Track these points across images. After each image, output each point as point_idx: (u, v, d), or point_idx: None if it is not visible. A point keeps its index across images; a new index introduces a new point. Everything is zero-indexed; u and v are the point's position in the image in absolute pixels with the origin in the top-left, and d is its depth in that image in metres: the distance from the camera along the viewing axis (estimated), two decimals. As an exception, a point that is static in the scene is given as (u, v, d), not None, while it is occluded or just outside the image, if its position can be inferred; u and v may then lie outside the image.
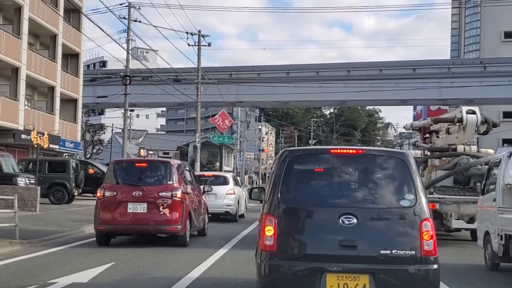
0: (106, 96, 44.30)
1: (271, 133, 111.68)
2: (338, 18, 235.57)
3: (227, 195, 21.14)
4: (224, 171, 47.24)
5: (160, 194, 13.17)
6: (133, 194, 13.17)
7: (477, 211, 12.85)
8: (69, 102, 39.10)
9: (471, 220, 15.02)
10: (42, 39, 37.18)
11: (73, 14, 39.56)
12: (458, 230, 16.25)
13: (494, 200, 11.07)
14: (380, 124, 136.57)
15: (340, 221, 6.27)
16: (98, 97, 47.28)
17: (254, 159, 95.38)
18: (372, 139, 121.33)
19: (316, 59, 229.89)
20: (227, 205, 21.10)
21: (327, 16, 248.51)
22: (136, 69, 42.20)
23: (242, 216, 23.11)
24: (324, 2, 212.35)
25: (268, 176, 7.84)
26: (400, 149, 75.36)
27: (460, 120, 16.01)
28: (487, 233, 11.41)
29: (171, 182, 13.43)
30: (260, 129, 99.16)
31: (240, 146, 79.72)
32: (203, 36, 38.48)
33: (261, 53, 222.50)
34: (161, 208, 13.10)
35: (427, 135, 18.55)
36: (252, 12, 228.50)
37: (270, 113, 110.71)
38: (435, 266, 6.29)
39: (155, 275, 9.81)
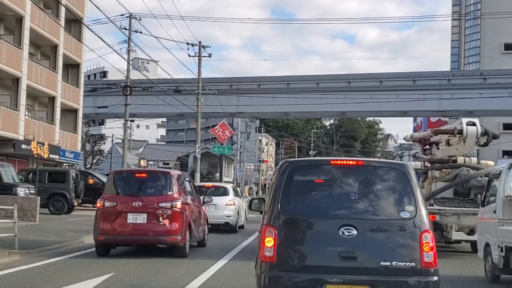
0: (107, 107, 44.34)
1: (271, 144, 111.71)
2: (341, 29, 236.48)
3: (227, 206, 21.09)
4: (224, 181, 47.22)
5: (160, 204, 13.14)
6: (133, 204, 13.14)
7: (477, 222, 12.83)
8: (69, 112, 39.15)
9: (471, 231, 14.98)
10: (43, 49, 37.28)
11: (74, 24, 39.68)
12: (458, 241, 16.20)
13: (494, 212, 11.05)
14: (380, 135, 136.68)
15: (340, 233, 6.27)
16: (98, 107, 47.31)
17: (254, 170, 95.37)
18: (372, 150, 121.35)
19: (319, 71, 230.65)
20: (227, 216, 21.05)
21: (331, 27, 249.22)
22: (136, 79, 42.27)
23: (242, 227, 23.05)
24: (328, 14, 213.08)
25: (268, 187, 7.84)
26: (400, 160, 75.43)
27: (460, 132, 16.02)
28: (487, 245, 11.39)
29: (171, 193, 13.40)
30: (260, 140, 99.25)
31: (240, 157, 79.71)
32: (203, 47, 38.54)
33: (264, 64, 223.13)
34: (161, 219, 13.07)
35: (427, 147, 18.57)
36: (256, 23, 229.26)
37: (270, 124, 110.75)
38: (435, 278, 6.29)
39: (155, 285, 9.78)
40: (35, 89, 34.13)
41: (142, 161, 64.24)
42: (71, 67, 39.86)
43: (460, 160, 16.34)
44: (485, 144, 16.96)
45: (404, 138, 23.28)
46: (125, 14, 35.40)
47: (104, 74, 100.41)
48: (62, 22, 36.44)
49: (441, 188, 15.93)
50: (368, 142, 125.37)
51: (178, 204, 13.22)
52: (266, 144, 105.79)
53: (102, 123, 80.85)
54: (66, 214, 27.02)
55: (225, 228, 21.04)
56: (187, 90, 38.23)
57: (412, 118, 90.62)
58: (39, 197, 22.53)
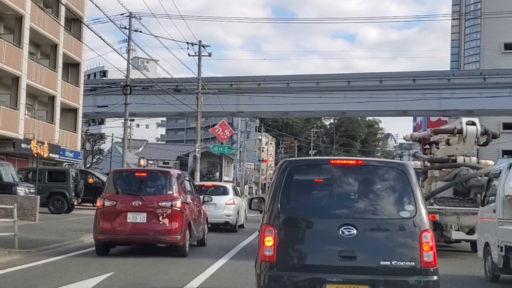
0: (107, 106, 44.36)
1: (271, 144, 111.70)
2: (342, 29, 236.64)
3: (227, 205, 21.09)
4: (224, 181, 47.21)
5: (159, 204, 13.14)
6: (133, 203, 13.13)
7: (477, 222, 12.83)
8: (69, 111, 39.14)
9: (471, 231, 14.99)
10: (43, 49, 37.26)
11: (74, 23, 39.65)
12: (458, 241, 16.21)
13: (494, 211, 11.05)
14: (380, 134, 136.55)
15: (340, 232, 6.27)
16: (98, 106, 47.34)
17: (254, 169, 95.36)
18: (372, 150, 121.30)
19: (319, 70, 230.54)
20: (226, 215, 21.05)
21: (331, 27, 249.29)
22: (136, 78, 42.28)
23: (242, 226, 23.05)
24: (329, 13, 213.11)
25: (268, 187, 7.84)
26: (400, 160, 75.43)
27: (460, 131, 16.01)
28: (487, 245, 11.39)
29: (171, 192, 13.40)
30: (260, 139, 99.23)
31: (240, 156, 79.71)
32: (203, 46, 38.53)
33: (265, 63, 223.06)
34: (160, 218, 13.07)
35: (427, 146, 18.56)
36: (257, 23, 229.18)
37: (270, 123, 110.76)
38: (435, 277, 6.29)
39: (154, 285, 9.78)
40: (35, 88, 34.12)
41: (142, 160, 64.25)
42: (71, 66, 39.84)
43: (460, 159, 16.34)
44: (485, 144, 16.96)
45: (404, 138, 23.25)
46: (125, 13, 35.41)
47: (104, 73, 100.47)
48: (62, 21, 36.44)
49: (441, 187, 15.93)
50: (368, 141, 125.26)
51: (178, 204, 13.22)
52: (266, 143, 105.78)
53: (102, 122, 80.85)
54: (66, 213, 27.02)
55: (225, 228, 21.04)
56: (187, 89, 38.22)
57: (412, 118, 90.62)
58: (39, 196, 22.52)
